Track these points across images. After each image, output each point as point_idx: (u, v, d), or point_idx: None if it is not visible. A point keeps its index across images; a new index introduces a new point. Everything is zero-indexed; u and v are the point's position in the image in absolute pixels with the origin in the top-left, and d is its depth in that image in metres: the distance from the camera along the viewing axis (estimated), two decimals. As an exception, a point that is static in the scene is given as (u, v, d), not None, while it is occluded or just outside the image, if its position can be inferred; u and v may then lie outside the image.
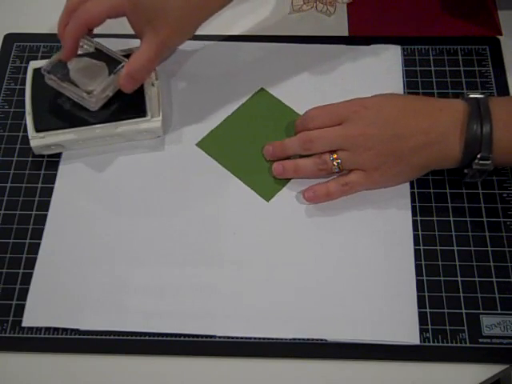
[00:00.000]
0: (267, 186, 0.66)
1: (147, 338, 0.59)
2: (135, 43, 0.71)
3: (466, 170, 0.62)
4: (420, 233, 0.63)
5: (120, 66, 0.66)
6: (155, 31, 0.63)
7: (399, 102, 0.63)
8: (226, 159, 0.68)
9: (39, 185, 0.67)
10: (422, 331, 0.59)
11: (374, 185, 0.64)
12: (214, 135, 0.70)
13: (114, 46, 0.70)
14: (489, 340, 0.58)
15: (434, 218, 0.64)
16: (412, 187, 0.66)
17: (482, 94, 0.62)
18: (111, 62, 0.67)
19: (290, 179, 0.66)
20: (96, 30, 0.68)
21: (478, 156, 0.59)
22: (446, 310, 0.60)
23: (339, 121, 0.63)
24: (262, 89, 0.72)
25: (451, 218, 0.64)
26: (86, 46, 0.68)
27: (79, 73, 0.67)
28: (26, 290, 0.62)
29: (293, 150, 0.65)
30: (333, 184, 0.64)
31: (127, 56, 0.66)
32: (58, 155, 0.69)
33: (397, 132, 0.61)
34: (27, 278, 0.62)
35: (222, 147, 0.69)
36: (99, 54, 0.68)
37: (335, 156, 0.63)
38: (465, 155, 0.60)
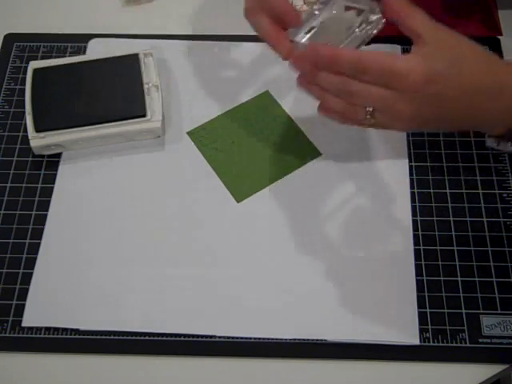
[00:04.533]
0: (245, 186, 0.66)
1: (147, 338, 0.59)
2: (140, 44, 0.72)
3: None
4: (420, 232, 0.63)
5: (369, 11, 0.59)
6: None
7: (466, 81, 0.54)
8: (210, 153, 0.68)
9: (39, 185, 0.67)
10: (422, 331, 0.59)
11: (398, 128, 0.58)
12: (206, 127, 0.70)
13: (117, 46, 0.70)
14: (489, 340, 0.58)
15: (434, 218, 0.64)
16: (412, 187, 0.66)
17: None
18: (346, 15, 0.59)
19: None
20: (96, 30, 0.69)
21: None
22: (445, 310, 0.60)
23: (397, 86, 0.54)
24: (266, 91, 0.72)
25: (451, 218, 0.64)
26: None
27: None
28: (26, 290, 0.62)
29: (342, 68, 0.54)
30: (357, 108, 0.55)
31: None
32: (58, 155, 0.69)
33: (448, 117, 0.55)
34: (27, 278, 0.62)
35: (210, 141, 0.69)
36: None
37: (370, 111, 0.54)
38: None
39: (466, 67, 0.54)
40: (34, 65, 0.70)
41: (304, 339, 0.59)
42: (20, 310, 0.61)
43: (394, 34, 0.76)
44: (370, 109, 0.54)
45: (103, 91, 0.69)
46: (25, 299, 0.61)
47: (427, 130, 0.60)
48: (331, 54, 0.54)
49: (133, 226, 0.65)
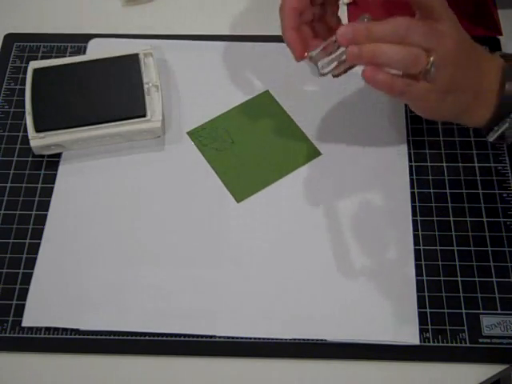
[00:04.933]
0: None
1: (147, 338, 0.59)
2: (140, 44, 0.72)
3: (496, 127, 0.59)
4: (420, 233, 0.63)
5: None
6: None
7: (466, 49, 0.57)
8: (210, 153, 0.68)
9: (39, 185, 0.67)
10: (422, 331, 0.59)
11: (426, 104, 0.58)
12: (206, 127, 0.70)
13: (117, 46, 0.70)
14: (489, 340, 0.58)
15: (434, 218, 0.64)
16: (412, 187, 0.66)
17: None
18: None
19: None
20: (96, 30, 0.68)
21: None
22: (446, 310, 0.60)
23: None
24: (266, 91, 0.72)
25: (451, 218, 0.64)
26: None
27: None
28: (26, 290, 0.62)
29: (383, 35, 0.54)
30: (400, 81, 0.55)
31: None
32: (58, 155, 0.69)
33: (473, 63, 0.58)
34: (27, 278, 0.62)
35: (210, 141, 0.69)
36: None
37: (430, 56, 0.54)
38: (499, 108, 0.58)
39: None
40: (34, 65, 0.70)
41: (304, 339, 0.59)
42: (20, 310, 0.61)
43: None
44: (431, 59, 0.54)
45: (103, 91, 0.69)
46: (25, 299, 0.61)
47: (446, 109, 0.59)
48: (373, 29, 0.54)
49: (133, 226, 0.65)
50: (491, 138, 0.60)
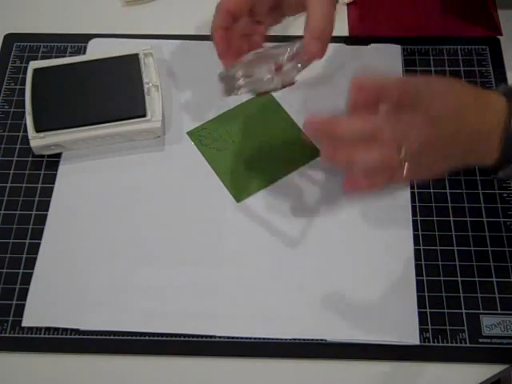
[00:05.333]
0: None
1: (147, 338, 0.59)
2: (140, 44, 0.72)
3: (501, 173, 0.58)
4: (420, 233, 0.63)
5: (297, 43, 0.59)
6: None
7: (458, 96, 0.55)
8: (210, 153, 0.68)
9: (39, 185, 0.67)
10: (422, 331, 0.59)
11: (416, 179, 0.59)
12: (206, 127, 0.70)
13: (117, 46, 0.70)
14: (489, 340, 0.58)
15: (434, 218, 0.64)
16: (412, 187, 0.66)
17: None
18: (277, 51, 0.60)
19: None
20: (96, 30, 0.68)
21: None
22: (445, 310, 0.60)
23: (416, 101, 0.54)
24: None
25: (451, 218, 0.64)
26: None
27: (250, 66, 0.60)
28: (26, 290, 0.62)
29: (349, 133, 0.54)
30: (380, 180, 0.55)
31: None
32: (58, 155, 0.69)
33: (454, 129, 0.54)
34: (27, 278, 0.62)
35: (210, 140, 0.69)
36: (262, 54, 0.61)
37: (403, 152, 0.53)
38: (502, 155, 0.56)
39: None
40: (34, 65, 0.70)
41: (304, 339, 0.59)
42: (20, 310, 0.61)
43: (394, 35, 0.76)
44: (402, 153, 0.52)
45: (103, 91, 0.69)
46: (25, 299, 0.61)
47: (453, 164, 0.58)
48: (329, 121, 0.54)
49: (132, 226, 0.65)
50: (500, 175, 0.58)
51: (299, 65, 0.59)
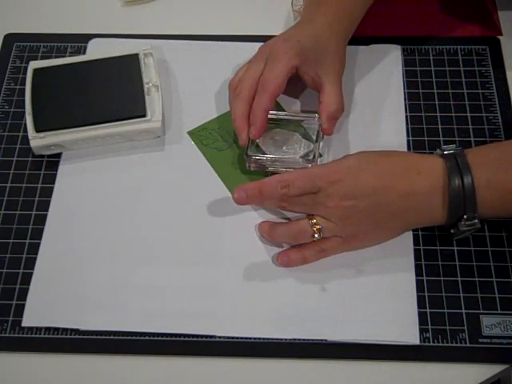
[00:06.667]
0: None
1: (147, 338, 0.59)
2: (140, 44, 0.72)
3: (452, 230, 0.60)
4: (420, 233, 0.63)
5: (315, 121, 0.67)
6: (328, 68, 0.65)
7: (376, 167, 0.59)
8: (210, 153, 0.68)
9: (39, 185, 0.67)
10: (422, 331, 0.59)
11: (351, 249, 0.62)
12: (206, 127, 0.70)
13: (117, 46, 0.70)
14: (489, 340, 0.58)
15: (434, 218, 0.64)
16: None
17: (456, 147, 0.59)
18: (294, 124, 0.68)
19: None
20: (96, 30, 0.68)
21: (465, 217, 0.57)
22: (445, 310, 0.60)
23: (316, 190, 0.59)
24: None
25: (451, 218, 0.64)
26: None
27: (274, 144, 0.67)
28: (26, 290, 0.62)
29: (270, 204, 0.63)
30: (309, 250, 0.61)
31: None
32: (58, 155, 0.69)
33: (375, 200, 0.58)
34: (27, 278, 0.62)
35: (210, 140, 0.69)
36: (278, 121, 0.67)
37: (315, 221, 0.59)
38: (449, 218, 0.58)
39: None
40: (34, 65, 0.70)
41: (304, 339, 0.59)
42: (20, 310, 0.61)
43: (394, 35, 0.76)
44: (314, 220, 0.59)
45: (103, 91, 0.69)
46: (25, 299, 0.61)
47: (384, 236, 0.62)
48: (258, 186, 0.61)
49: (132, 226, 0.65)
50: (456, 233, 0.60)
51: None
